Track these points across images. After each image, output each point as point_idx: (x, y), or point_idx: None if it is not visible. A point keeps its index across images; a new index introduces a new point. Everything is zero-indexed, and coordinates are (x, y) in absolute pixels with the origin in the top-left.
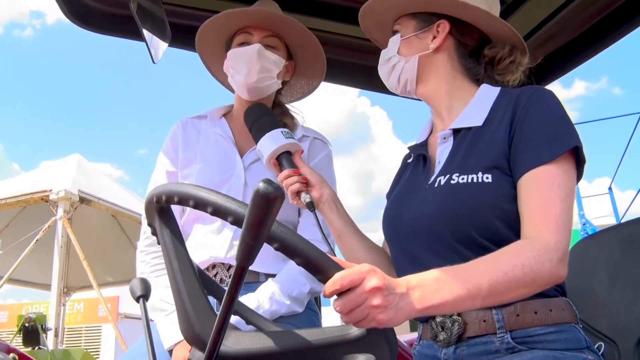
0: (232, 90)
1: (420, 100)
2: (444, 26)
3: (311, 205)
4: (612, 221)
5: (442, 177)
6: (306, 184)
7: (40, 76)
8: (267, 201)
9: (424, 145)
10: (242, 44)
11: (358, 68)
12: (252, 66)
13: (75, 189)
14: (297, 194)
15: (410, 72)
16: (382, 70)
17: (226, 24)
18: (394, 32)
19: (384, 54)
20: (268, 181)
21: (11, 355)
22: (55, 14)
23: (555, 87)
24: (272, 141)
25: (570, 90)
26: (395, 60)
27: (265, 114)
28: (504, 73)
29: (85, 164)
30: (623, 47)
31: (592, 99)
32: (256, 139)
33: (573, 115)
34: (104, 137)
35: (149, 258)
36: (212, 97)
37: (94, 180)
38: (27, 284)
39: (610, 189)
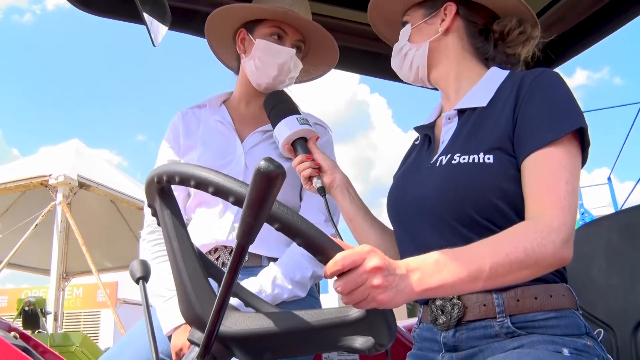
0: (233, 69)
1: (431, 89)
2: (451, 8)
3: (322, 191)
4: (610, 211)
5: (444, 156)
6: (318, 170)
7: (40, 62)
8: (268, 179)
9: (431, 126)
10: (276, 39)
11: (362, 54)
12: (283, 70)
13: (75, 174)
14: (310, 179)
15: (421, 58)
16: (395, 62)
17: (256, 12)
18: (404, 24)
19: (396, 46)
20: (269, 159)
21: (12, 333)
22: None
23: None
24: (287, 127)
25: (571, 79)
26: (407, 48)
27: (283, 101)
28: (513, 45)
29: (84, 150)
30: (625, 38)
31: (593, 89)
32: (273, 125)
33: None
34: (103, 123)
35: (150, 245)
36: (212, 83)
37: (93, 166)
38: (27, 268)
39: (609, 179)
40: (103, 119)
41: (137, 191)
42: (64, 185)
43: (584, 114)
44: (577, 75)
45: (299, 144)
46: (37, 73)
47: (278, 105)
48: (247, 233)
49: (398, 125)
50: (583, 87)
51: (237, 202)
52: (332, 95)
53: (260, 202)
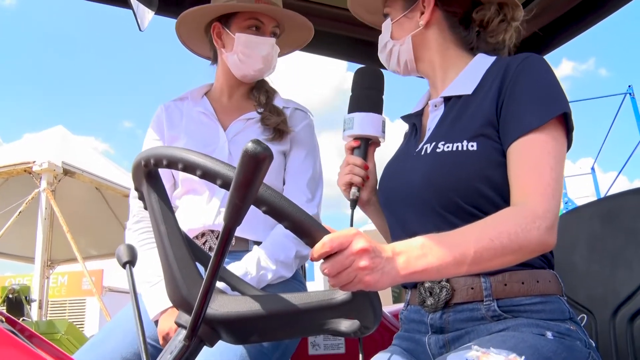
0: (207, 58)
1: (420, 77)
2: (429, 0)
3: (354, 203)
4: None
5: (429, 144)
6: (364, 182)
7: (23, 47)
8: (256, 161)
9: (419, 114)
10: (254, 32)
11: (345, 40)
12: (267, 62)
13: (59, 160)
14: (350, 185)
15: (407, 53)
16: (382, 57)
17: (232, 8)
18: (385, 15)
19: (380, 40)
20: (257, 141)
21: None
22: None
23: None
24: (372, 125)
25: (558, 70)
26: (391, 45)
27: (380, 90)
28: (495, 34)
29: (69, 136)
30: (611, 29)
31: (579, 80)
32: (359, 106)
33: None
34: (88, 109)
35: (136, 234)
36: (198, 67)
37: (78, 153)
38: (10, 256)
39: (593, 169)
40: (89, 106)
41: (123, 178)
42: (48, 172)
43: (570, 104)
44: (563, 66)
45: (365, 145)
46: (20, 57)
47: (375, 92)
48: (235, 215)
49: (385, 113)
50: (569, 77)
51: (225, 184)
52: (319, 84)
53: (248, 184)
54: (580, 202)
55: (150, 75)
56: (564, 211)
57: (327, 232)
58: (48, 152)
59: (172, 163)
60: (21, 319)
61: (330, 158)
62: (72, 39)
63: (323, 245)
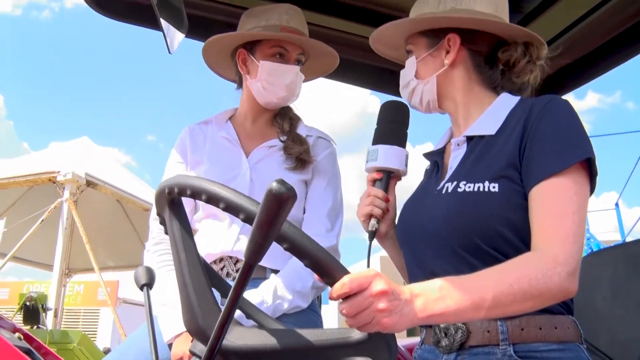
0: (233, 81)
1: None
2: (455, 39)
3: (372, 235)
4: (617, 237)
5: (450, 184)
6: (384, 214)
7: (55, 58)
8: (279, 201)
9: (441, 152)
10: (279, 59)
11: (369, 68)
12: (291, 90)
13: (83, 171)
14: (370, 216)
15: (431, 93)
16: (404, 94)
17: (256, 36)
18: (408, 52)
19: (402, 77)
20: (281, 181)
21: (17, 334)
22: None
23: (568, 97)
24: (396, 159)
25: (583, 102)
26: (414, 84)
27: (405, 124)
28: (521, 74)
29: (93, 148)
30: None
31: (605, 112)
32: (384, 139)
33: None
34: (114, 121)
35: (155, 256)
36: (221, 88)
37: (102, 164)
38: (30, 262)
39: (617, 204)
40: (115, 118)
41: (144, 192)
42: (72, 182)
43: (595, 138)
44: (589, 98)
45: (387, 177)
46: (52, 69)
47: (400, 126)
48: (256, 252)
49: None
50: (595, 110)
51: (247, 219)
52: (343, 107)
53: (270, 223)
54: (602, 237)
55: (175, 92)
56: (586, 247)
57: (347, 272)
58: (72, 163)
59: (196, 194)
60: (36, 326)
61: (351, 181)
62: (103, 53)
63: (343, 285)
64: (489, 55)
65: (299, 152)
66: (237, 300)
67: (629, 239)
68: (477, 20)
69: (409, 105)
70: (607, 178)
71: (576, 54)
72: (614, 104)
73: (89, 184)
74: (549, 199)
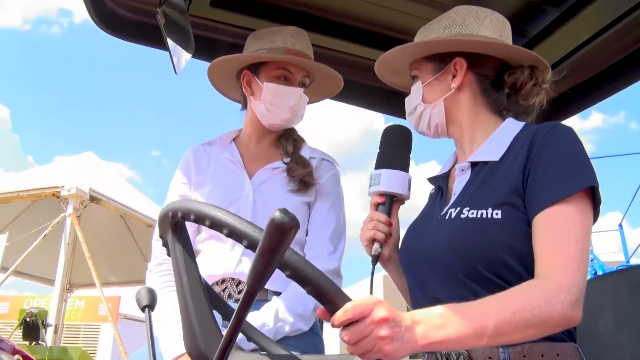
0: (238, 102)
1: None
2: (461, 63)
3: (375, 259)
4: (620, 257)
5: (453, 209)
6: (386, 238)
7: (63, 73)
8: (282, 231)
9: (445, 176)
10: (283, 81)
11: (375, 90)
12: (294, 112)
13: (87, 187)
14: (373, 240)
15: (439, 117)
16: (411, 119)
17: (261, 58)
18: (413, 77)
19: (408, 103)
20: (284, 211)
21: (16, 356)
22: (83, 14)
23: (572, 117)
24: (399, 183)
25: (587, 122)
26: (422, 108)
27: (407, 149)
28: (528, 97)
29: (98, 163)
30: None
31: (609, 132)
32: (387, 163)
33: (589, 148)
34: (119, 136)
35: (157, 276)
36: (226, 104)
37: (106, 180)
38: (31, 277)
39: (620, 225)
40: (120, 133)
41: (148, 208)
42: (76, 197)
43: (599, 159)
44: (593, 118)
45: (389, 201)
46: (59, 83)
47: (403, 150)
48: (257, 280)
49: (411, 156)
50: (598, 130)
51: (251, 246)
52: (347, 125)
53: (272, 252)
54: (605, 257)
55: (180, 107)
56: (590, 269)
57: (348, 299)
58: (76, 178)
59: (200, 219)
60: (35, 343)
61: (353, 198)
62: (110, 68)
63: (345, 312)
64: (495, 79)
65: (302, 175)
66: (238, 327)
67: (632, 260)
68: (484, 44)
69: (415, 131)
70: (611, 198)
71: (579, 79)
72: (618, 124)
73: (92, 199)
74: (552, 227)
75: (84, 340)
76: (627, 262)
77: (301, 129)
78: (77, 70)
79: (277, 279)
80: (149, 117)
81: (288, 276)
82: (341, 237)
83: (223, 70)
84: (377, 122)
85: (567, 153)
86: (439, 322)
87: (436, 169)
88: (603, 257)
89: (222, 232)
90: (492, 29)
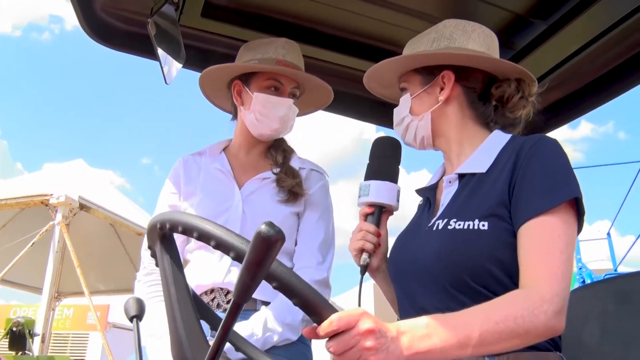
0: (229, 112)
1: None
2: (449, 76)
3: (364, 269)
4: (608, 265)
5: (441, 221)
6: (375, 249)
7: (54, 80)
8: (268, 244)
9: (433, 188)
10: (273, 92)
11: (365, 101)
12: (284, 122)
13: (76, 195)
14: (361, 251)
15: (425, 129)
16: (398, 130)
17: (252, 68)
18: (402, 89)
19: (396, 114)
20: (270, 224)
21: None
22: (74, 20)
23: (561, 127)
24: (388, 194)
25: (576, 131)
26: (409, 120)
27: (396, 160)
28: (514, 110)
29: (88, 170)
30: (631, 93)
31: (598, 141)
32: (376, 175)
33: (578, 157)
34: (109, 143)
35: (145, 286)
36: (217, 113)
37: (96, 187)
38: (19, 285)
39: (608, 234)
40: (110, 140)
41: (138, 216)
42: (65, 205)
43: (588, 168)
44: (582, 127)
45: (378, 212)
46: (49, 90)
47: (392, 162)
48: (244, 292)
49: (401, 165)
50: (587, 139)
51: (237, 258)
52: (339, 132)
53: (259, 264)
54: (594, 265)
55: (171, 115)
56: (577, 277)
57: (335, 310)
58: (66, 186)
59: (188, 231)
60: (22, 353)
61: (344, 207)
62: (101, 75)
63: (330, 323)
64: (482, 92)
65: (292, 185)
66: (225, 338)
67: (621, 268)
68: (472, 57)
69: (402, 142)
70: (600, 207)
71: (567, 90)
72: (607, 134)
73: (82, 207)
74: (536, 237)
75: (72, 350)
76: (615, 270)
77: (292, 139)
78: (68, 77)
79: (266, 289)
80: (139, 124)
81: (275, 288)
82: (330, 248)
83: (214, 79)
84: (368, 130)
85: (552, 165)
86: (424, 332)
87: (427, 178)
88: (591, 266)
89: (209, 244)
90: (480, 42)
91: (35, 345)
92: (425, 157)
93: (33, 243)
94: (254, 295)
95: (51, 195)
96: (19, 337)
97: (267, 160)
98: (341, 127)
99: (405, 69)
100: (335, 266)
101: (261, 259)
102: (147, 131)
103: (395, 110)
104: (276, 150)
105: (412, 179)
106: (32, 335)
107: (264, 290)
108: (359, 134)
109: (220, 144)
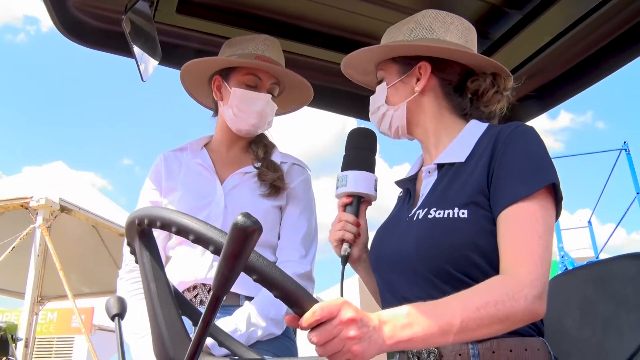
0: (211, 109)
1: (411, 140)
2: (426, 67)
3: (345, 260)
4: (590, 254)
5: (421, 210)
6: (355, 239)
7: (30, 82)
8: (245, 234)
9: (413, 179)
10: (251, 87)
11: (343, 95)
12: (261, 117)
13: (57, 197)
14: (342, 241)
15: (401, 119)
16: (373, 119)
17: (231, 62)
18: (379, 79)
19: (372, 102)
20: (247, 215)
21: None
22: (50, 22)
23: (541, 117)
24: (365, 184)
25: (555, 122)
26: (384, 109)
27: (373, 151)
28: (489, 104)
29: (68, 172)
30: (608, 83)
31: (577, 131)
32: (353, 165)
33: (558, 147)
34: (89, 145)
35: (128, 284)
36: (197, 111)
37: (77, 189)
38: (0, 290)
39: (589, 222)
40: (90, 141)
41: (120, 217)
42: (45, 208)
43: (568, 157)
44: (562, 117)
45: (357, 202)
46: (26, 93)
47: (368, 152)
48: (223, 284)
49: (384, 159)
50: (567, 129)
51: (217, 251)
52: (321, 130)
53: (236, 256)
54: (576, 254)
55: (151, 115)
56: (560, 265)
57: (316, 301)
58: (46, 188)
59: (166, 225)
60: (5, 358)
61: (327, 202)
62: (79, 76)
63: (313, 314)
64: (458, 85)
65: (273, 179)
66: (205, 332)
67: (602, 256)
68: (448, 50)
69: (377, 131)
70: (581, 196)
71: (542, 80)
72: (586, 123)
73: (63, 209)
74: (515, 224)
75: (57, 354)
76: (597, 257)
77: (276, 135)
78: (46, 78)
79: (249, 284)
80: (120, 125)
81: (255, 280)
82: (313, 241)
83: (194, 75)
84: (350, 126)
85: (529, 152)
86: (406, 321)
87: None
88: (574, 254)
89: (188, 238)
90: (458, 35)
91: (18, 351)
92: (408, 151)
93: (13, 247)
94: (237, 291)
95: (31, 198)
96: (1, 343)
97: (248, 155)
98: (322, 124)
99: (382, 57)
100: (319, 261)
101: (239, 251)
102: (128, 132)
103: (371, 98)
104: (257, 145)
105: (395, 172)
106: (14, 340)
107: (247, 285)
108: (340, 130)
109: (201, 140)
